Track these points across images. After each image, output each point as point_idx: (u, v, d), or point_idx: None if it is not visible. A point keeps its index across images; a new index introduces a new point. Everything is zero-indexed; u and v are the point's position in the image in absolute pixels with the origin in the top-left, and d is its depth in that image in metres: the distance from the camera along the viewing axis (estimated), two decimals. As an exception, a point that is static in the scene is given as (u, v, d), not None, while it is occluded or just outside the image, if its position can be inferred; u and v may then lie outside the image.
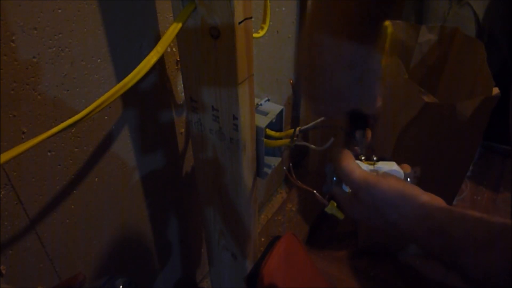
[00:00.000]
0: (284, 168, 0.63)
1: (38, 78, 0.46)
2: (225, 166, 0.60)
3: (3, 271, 0.50)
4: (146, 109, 0.63)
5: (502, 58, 1.23)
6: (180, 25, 0.46)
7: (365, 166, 0.51)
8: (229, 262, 0.75)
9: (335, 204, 0.56)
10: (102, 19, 0.51)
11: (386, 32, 0.96)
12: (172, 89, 0.67)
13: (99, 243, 0.64)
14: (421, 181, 0.49)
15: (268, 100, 0.65)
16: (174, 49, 0.64)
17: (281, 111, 0.64)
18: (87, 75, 0.52)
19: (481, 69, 0.94)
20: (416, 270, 1.02)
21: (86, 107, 0.41)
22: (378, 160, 0.53)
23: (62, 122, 0.40)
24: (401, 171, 0.51)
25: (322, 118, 0.56)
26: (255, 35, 0.66)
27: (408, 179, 0.50)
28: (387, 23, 0.93)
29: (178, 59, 0.65)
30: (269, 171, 0.66)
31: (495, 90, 0.89)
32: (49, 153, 0.51)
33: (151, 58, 0.44)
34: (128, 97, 0.59)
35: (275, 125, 0.64)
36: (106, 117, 0.57)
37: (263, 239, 1.10)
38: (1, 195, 0.47)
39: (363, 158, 0.53)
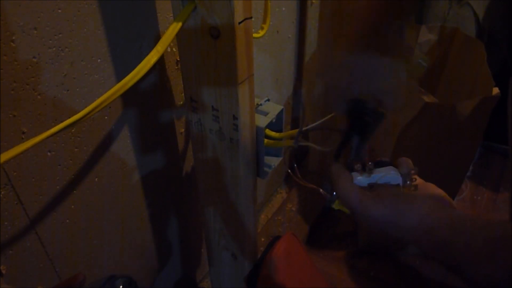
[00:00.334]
0: (289, 171, 0.63)
1: (38, 78, 0.46)
2: (225, 166, 0.60)
3: (3, 271, 0.50)
4: (146, 109, 0.63)
5: (502, 58, 1.23)
6: (180, 25, 0.46)
7: (360, 178, 0.51)
8: (229, 262, 0.75)
9: None
10: (102, 19, 0.51)
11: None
12: (172, 89, 0.67)
13: (99, 243, 0.64)
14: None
15: (268, 100, 0.65)
16: (174, 49, 0.64)
17: (281, 111, 0.64)
18: (87, 75, 0.52)
19: (481, 69, 0.94)
20: (416, 270, 1.02)
21: (86, 107, 0.41)
22: (375, 166, 0.52)
23: (62, 122, 0.40)
24: (399, 176, 0.50)
25: (324, 118, 0.56)
26: (255, 35, 0.66)
27: (407, 182, 0.50)
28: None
29: (178, 59, 0.65)
30: (269, 171, 0.66)
31: (495, 90, 0.89)
32: (49, 153, 0.51)
33: (151, 58, 0.44)
34: (128, 97, 0.59)
35: (275, 125, 0.64)
36: (106, 117, 0.57)
37: (263, 239, 1.10)
38: (1, 195, 0.47)
39: (359, 168, 0.52)
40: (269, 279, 0.67)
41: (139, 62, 0.43)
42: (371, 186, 0.50)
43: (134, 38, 0.56)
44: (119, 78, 0.56)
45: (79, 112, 0.41)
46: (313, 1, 1.06)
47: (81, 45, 0.50)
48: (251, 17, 0.48)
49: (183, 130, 0.73)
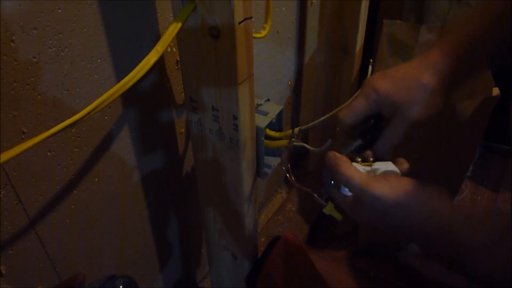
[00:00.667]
0: (283, 168, 0.63)
1: (38, 78, 0.46)
2: (225, 166, 0.60)
3: (3, 271, 0.50)
4: (146, 109, 0.63)
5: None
6: (180, 25, 0.46)
7: (362, 168, 0.51)
8: (229, 262, 0.75)
9: (333, 205, 0.56)
10: (102, 19, 0.51)
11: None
12: (172, 89, 0.67)
13: (99, 243, 0.64)
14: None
15: (268, 100, 0.65)
16: (174, 49, 0.64)
17: (281, 111, 0.64)
18: (87, 75, 0.52)
19: (481, 69, 0.94)
20: (416, 270, 1.02)
21: (86, 107, 0.41)
22: (374, 161, 0.53)
23: (62, 122, 0.40)
24: (398, 171, 0.51)
25: (323, 117, 0.56)
26: (257, 35, 0.66)
27: None
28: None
29: (178, 59, 0.65)
30: (269, 171, 0.66)
31: (495, 90, 0.89)
32: (49, 153, 0.51)
33: (151, 58, 0.44)
34: (128, 97, 0.59)
35: (275, 125, 0.64)
36: (106, 117, 0.57)
37: (263, 239, 1.10)
38: (1, 195, 0.47)
39: (359, 160, 0.53)
40: (269, 279, 0.67)
41: (139, 62, 0.43)
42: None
43: (134, 38, 0.56)
44: (119, 78, 0.56)
45: (79, 112, 0.41)
46: (313, 1, 1.06)
47: (81, 45, 0.50)
48: (251, 17, 0.48)
49: (183, 130, 0.73)
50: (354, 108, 0.53)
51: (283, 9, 0.95)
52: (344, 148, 0.54)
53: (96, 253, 0.64)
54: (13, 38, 0.43)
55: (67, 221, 0.57)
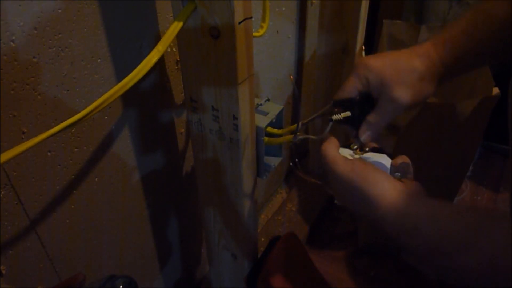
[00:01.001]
0: (291, 164, 0.62)
1: (38, 78, 0.46)
2: (225, 166, 0.60)
3: (3, 271, 0.50)
4: (146, 109, 0.63)
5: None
6: (180, 24, 0.46)
7: (349, 151, 0.51)
8: (229, 262, 0.75)
9: None
10: (102, 19, 0.51)
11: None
12: (172, 89, 0.67)
13: (99, 243, 0.64)
14: (420, 181, 0.49)
15: (268, 100, 0.65)
16: (174, 49, 0.64)
17: (281, 111, 0.64)
18: (87, 75, 0.52)
19: (481, 69, 0.94)
20: (416, 270, 1.02)
21: (86, 107, 0.41)
22: (370, 151, 0.52)
23: (62, 122, 0.40)
24: (387, 166, 0.49)
25: (323, 109, 0.56)
26: (255, 34, 0.66)
27: (398, 174, 0.48)
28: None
29: (178, 59, 0.65)
30: (269, 171, 0.66)
31: (495, 90, 0.89)
32: (49, 153, 0.51)
33: (152, 57, 0.44)
34: (128, 97, 0.59)
35: (275, 125, 0.64)
36: (106, 117, 0.57)
37: (263, 239, 1.10)
38: (1, 195, 0.47)
39: (355, 147, 0.52)
40: (269, 279, 0.67)
41: (139, 62, 0.44)
42: None
43: (134, 38, 0.56)
44: (119, 78, 0.56)
45: (79, 112, 0.41)
46: (313, 1, 1.06)
47: (81, 45, 0.50)
48: (251, 17, 0.48)
49: (183, 130, 0.73)
50: (345, 85, 0.53)
51: (283, 9, 0.95)
52: (333, 115, 0.53)
53: (96, 253, 0.64)
54: (13, 38, 0.43)
55: (67, 221, 0.57)
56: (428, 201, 0.43)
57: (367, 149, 0.52)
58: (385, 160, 0.50)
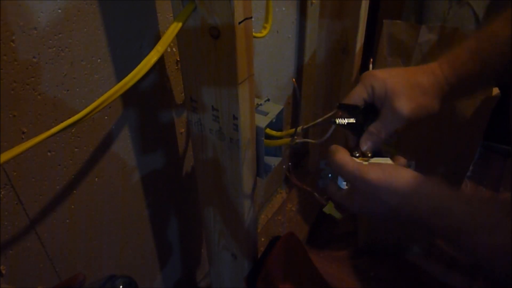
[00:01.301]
0: (284, 167, 0.63)
1: (38, 78, 0.46)
2: (225, 166, 0.60)
3: (3, 271, 0.50)
4: (146, 109, 0.63)
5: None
6: (180, 24, 0.46)
7: (356, 159, 0.52)
8: (229, 262, 0.75)
9: (333, 204, 0.57)
10: (102, 19, 0.51)
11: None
12: (172, 89, 0.67)
13: (99, 243, 0.64)
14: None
15: (268, 100, 0.65)
16: (174, 49, 0.64)
17: (281, 111, 0.64)
18: (87, 75, 0.52)
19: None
20: (417, 270, 1.02)
21: (86, 107, 0.41)
22: (372, 157, 0.53)
23: (62, 122, 0.40)
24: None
25: (325, 116, 0.56)
26: (258, 34, 0.66)
27: None
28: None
29: (178, 59, 0.65)
30: (269, 171, 0.66)
31: (495, 90, 0.89)
32: (49, 153, 0.51)
33: (152, 58, 0.44)
34: (128, 97, 0.59)
35: (275, 125, 0.64)
36: (106, 117, 0.57)
37: (263, 239, 1.10)
38: (1, 195, 0.47)
39: (357, 155, 0.53)
40: (269, 279, 0.67)
41: (139, 62, 0.44)
42: None
43: (134, 38, 0.56)
44: (119, 78, 0.56)
45: (79, 112, 0.41)
46: (313, 1, 1.06)
47: (81, 45, 0.50)
48: (251, 17, 0.48)
49: (183, 130, 0.73)
50: (351, 93, 0.55)
51: (283, 9, 0.95)
52: (337, 119, 0.54)
53: (96, 253, 0.64)
54: (13, 38, 0.43)
55: (67, 221, 0.57)
56: (454, 188, 0.46)
57: (369, 154, 0.53)
58: (390, 162, 0.51)
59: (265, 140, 0.62)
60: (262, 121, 0.60)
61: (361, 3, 0.95)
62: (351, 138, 0.56)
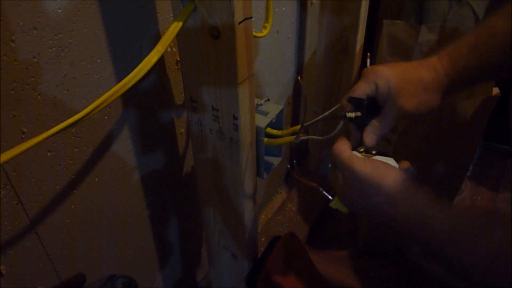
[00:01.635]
0: (288, 166, 0.63)
1: (38, 78, 0.46)
2: (225, 166, 0.60)
3: (3, 271, 0.50)
4: (146, 109, 0.63)
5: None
6: (180, 24, 0.46)
7: (357, 154, 0.52)
8: (229, 262, 0.75)
9: (339, 199, 0.56)
10: (102, 19, 0.51)
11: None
12: (172, 89, 0.67)
13: (99, 243, 0.64)
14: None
15: (268, 100, 0.65)
16: (174, 49, 0.64)
17: (281, 111, 0.64)
18: (87, 75, 0.52)
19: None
20: (417, 270, 1.02)
21: (86, 107, 0.41)
22: (376, 154, 0.53)
23: (62, 122, 0.40)
24: (397, 166, 0.51)
25: (327, 112, 0.57)
26: (258, 34, 0.66)
27: None
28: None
29: (178, 59, 0.65)
30: (269, 171, 0.66)
31: (495, 90, 0.89)
32: (49, 153, 0.51)
33: (152, 58, 0.44)
34: (128, 97, 0.59)
35: (275, 125, 0.64)
36: (106, 117, 0.57)
37: (263, 239, 1.10)
38: (1, 195, 0.47)
39: (362, 150, 0.53)
40: (269, 279, 0.67)
41: (139, 62, 0.43)
42: None
43: (134, 38, 0.56)
44: (119, 78, 0.56)
45: (79, 112, 0.41)
46: (313, 1, 1.06)
47: (81, 45, 0.50)
48: (251, 17, 0.48)
49: (183, 130, 0.73)
50: (354, 88, 0.55)
51: (283, 9, 0.95)
52: (348, 114, 0.54)
53: (96, 253, 0.64)
54: (13, 38, 0.43)
55: (67, 221, 0.57)
56: (441, 198, 0.45)
57: (373, 152, 0.53)
58: (392, 163, 0.51)
59: (267, 139, 0.62)
60: (262, 121, 0.61)
61: (361, 3, 0.95)
62: (353, 133, 0.56)
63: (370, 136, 0.53)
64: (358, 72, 1.08)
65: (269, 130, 0.62)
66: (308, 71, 1.19)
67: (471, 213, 0.44)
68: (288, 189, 1.28)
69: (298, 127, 0.58)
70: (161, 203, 0.75)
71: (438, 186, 0.52)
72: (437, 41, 1.08)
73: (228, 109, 0.53)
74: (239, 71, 0.49)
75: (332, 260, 1.14)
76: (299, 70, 1.14)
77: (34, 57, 0.45)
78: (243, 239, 0.68)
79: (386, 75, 0.52)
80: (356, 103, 0.54)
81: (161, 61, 0.63)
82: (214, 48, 0.49)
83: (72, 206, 0.57)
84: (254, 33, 0.55)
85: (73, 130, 0.53)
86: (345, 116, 0.54)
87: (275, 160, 0.67)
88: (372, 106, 0.54)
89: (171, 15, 0.53)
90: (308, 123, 0.58)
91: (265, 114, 0.62)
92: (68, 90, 0.50)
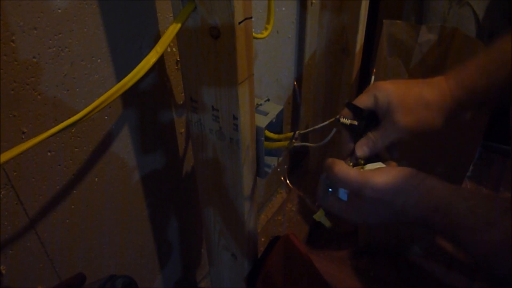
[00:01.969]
0: (278, 170, 0.63)
1: (38, 78, 0.46)
2: (225, 166, 0.60)
3: (3, 271, 0.50)
4: (146, 109, 0.63)
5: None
6: (179, 25, 0.46)
7: (359, 169, 0.52)
8: (229, 262, 0.75)
9: (324, 212, 0.57)
10: (102, 19, 0.51)
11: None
12: (172, 89, 0.67)
13: (99, 243, 0.64)
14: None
15: (268, 100, 0.65)
16: (174, 49, 0.64)
17: (281, 111, 0.64)
18: (87, 75, 0.52)
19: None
20: (417, 270, 1.02)
21: (86, 107, 0.41)
22: (365, 164, 0.53)
23: (62, 122, 0.40)
24: None
25: (325, 122, 0.56)
26: (259, 35, 0.66)
27: None
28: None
29: (178, 59, 0.65)
30: (269, 171, 0.66)
31: (495, 90, 0.89)
32: (49, 153, 0.51)
33: (151, 58, 0.44)
34: (128, 97, 0.59)
35: (275, 125, 0.64)
36: (106, 117, 0.57)
37: (263, 239, 1.10)
38: (1, 195, 0.47)
39: (351, 164, 0.53)
40: (269, 279, 0.67)
41: (139, 62, 0.44)
42: None
43: (134, 38, 0.56)
44: (119, 78, 0.56)
45: (79, 112, 0.41)
46: (313, 1, 1.06)
47: (81, 45, 0.50)
48: (251, 17, 0.48)
49: (183, 130, 0.73)
50: (356, 100, 0.55)
51: (283, 9, 0.95)
52: (342, 119, 0.54)
53: (96, 253, 0.64)
54: (13, 38, 0.43)
55: (67, 221, 0.57)
56: (453, 185, 0.47)
57: (362, 162, 0.53)
58: (382, 166, 0.52)
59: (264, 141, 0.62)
60: (262, 121, 0.60)
61: (361, 3, 0.95)
62: (345, 142, 0.56)
63: (362, 148, 0.53)
64: (358, 72, 1.08)
65: (267, 133, 0.62)
66: (308, 71, 1.19)
67: (490, 200, 0.44)
68: (288, 189, 1.28)
69: (291, 134, 0.58)
70: (161, 203, 0.75)
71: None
72: (437, 41, 1.08)
73: (228, 109, 0.53)
74: (239, 71, 0.49)
75: (332, 260, 1.14)
76: (299, 70, 1.15)
77: (34, 57, 0.45)
78: (243, 239, 0.68)
79: (387, 90, 0.52)
80: (354, 111, 0.54)
81: (161, 61, 0.63)
82: (214, 48, 0.49)
83: (72, 206, 0.57)
84: (254, 35, 0.55)
85: (73, 130, 0.53)
86: (339, 120, 0.53)
87: (275, 160, 0.67)
88: (372, 119, 0.54)
89: (171, 15, 0.53)
90: (303, 131, 0.58)
91: (265, 114, 0.62)
92: (68, 90, 0.50)
